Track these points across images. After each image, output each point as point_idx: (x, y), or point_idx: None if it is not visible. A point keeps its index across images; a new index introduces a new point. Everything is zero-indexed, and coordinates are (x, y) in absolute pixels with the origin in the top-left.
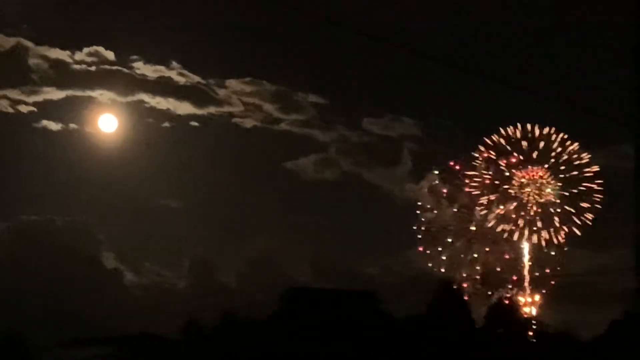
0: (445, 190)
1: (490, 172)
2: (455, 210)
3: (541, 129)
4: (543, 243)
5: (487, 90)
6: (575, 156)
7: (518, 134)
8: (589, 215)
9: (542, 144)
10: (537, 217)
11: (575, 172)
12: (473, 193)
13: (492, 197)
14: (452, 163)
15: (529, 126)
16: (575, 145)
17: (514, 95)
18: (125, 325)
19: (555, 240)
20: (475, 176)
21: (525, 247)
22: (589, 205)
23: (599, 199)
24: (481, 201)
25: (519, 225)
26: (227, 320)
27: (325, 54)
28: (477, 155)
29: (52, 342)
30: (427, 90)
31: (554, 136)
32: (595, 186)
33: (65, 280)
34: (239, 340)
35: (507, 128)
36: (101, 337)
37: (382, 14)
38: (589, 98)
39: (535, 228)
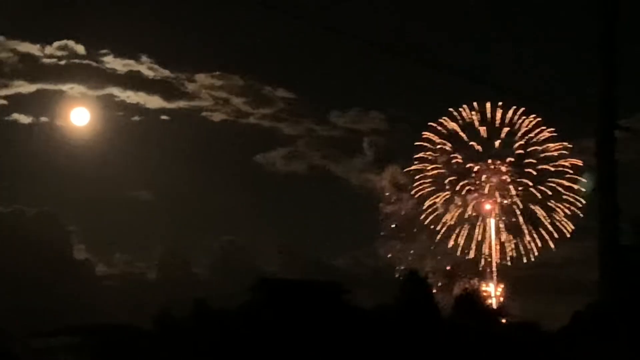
0: (404, 182)
1: (443, 165)
2: (417, 202)
3: (504, 111)
4: (506, 237)
5: (452, 83)
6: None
7: (475, 118)
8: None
9: (505, 131)
10: (501, 214)
11: (544, 166)
12: (426, 190)
13: (447, 194)
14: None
15: (488, 106)
16: (545, 133)
17: (482, 91)
18: (97, 316)
19: (522, 239)
20: (432, 168)
21: (490, 238)
22: (559, 206)
23: (571, 199)
24: (440, 196)
25: (480, 217)
26: (198, 310)
27: (293, 48)
28: (429, 145)
29: (22, 332)
30: (395, 84)
31: (520, 121)
32: (568, 183)
33: (36, 272)
34: (211, 330)
35: (461, 109)
36: (72, 326)
37: (351, 8)
38: (549, 92)
39: (499, 221)
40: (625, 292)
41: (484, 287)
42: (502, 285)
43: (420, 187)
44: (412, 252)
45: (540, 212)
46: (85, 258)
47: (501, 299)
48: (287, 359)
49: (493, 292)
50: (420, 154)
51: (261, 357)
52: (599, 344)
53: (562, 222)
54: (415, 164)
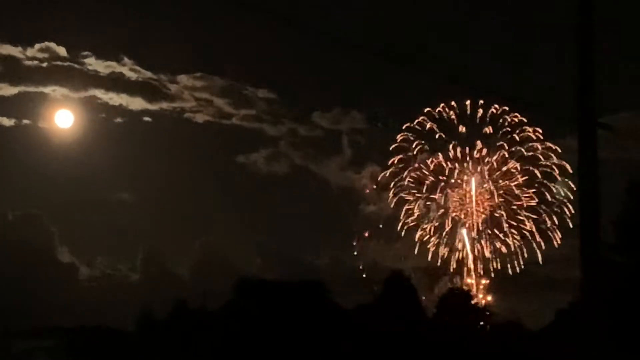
0: (385, 182)
1: (421, 165)
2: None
3: (485, 108)
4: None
5: (432, 85)
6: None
7: (453, 115)
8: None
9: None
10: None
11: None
12: (404, 192)
13: (425, 196)
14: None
15: (467, 104)
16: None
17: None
18: (79, 318)
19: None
20: (410, 170)
21: (466, 237)
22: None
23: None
24: (419, 199)
25: (460, 217)
26: (180, 311)
27: (273, 49)
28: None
29: (4, 334)
30: (376, 84)
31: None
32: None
33: (18, 274)
34: (193, 331)
35: (440, 108)
36: (54, 328)
37: (330, 9)
38: (530, 91)
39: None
40: (607, 291)
41: (467, 287)
42: (483, 281)
43: (399, 189)
44: (394, 250)
45: (527, 222)
46: (68, 260)
47: (484, 297)
48: (270, 359)
49: (475, 290)
50: (398, 157)
51: (243, 357)
52: (582, 343)
53: (550, 230)
54: (394, 165)
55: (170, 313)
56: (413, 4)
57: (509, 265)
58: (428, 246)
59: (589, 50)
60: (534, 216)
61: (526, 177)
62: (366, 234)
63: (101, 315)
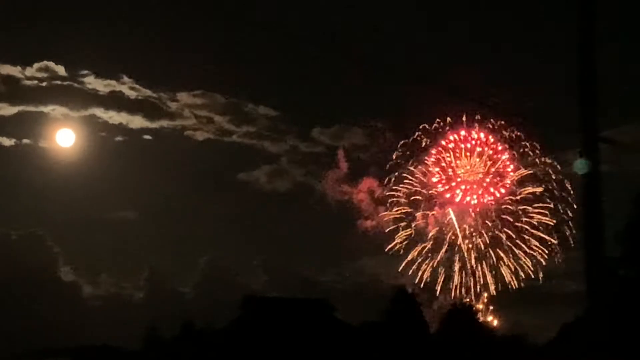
0: (383, 197)
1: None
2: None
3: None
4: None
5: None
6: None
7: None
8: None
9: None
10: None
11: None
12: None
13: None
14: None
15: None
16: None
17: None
18: (84, 337)
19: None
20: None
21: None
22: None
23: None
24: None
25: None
26: (185, 329)
27: (274, 65)
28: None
29: (9, 355)
30: (378, 99)
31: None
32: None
33: (23, 294)
34: (199, 350)
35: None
36: (60, 348)
37: (333, 25)
38: (531, 106)
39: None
40: (611, 304)
41: (471, 302)
42: (487, 299)
43: (396, 207)
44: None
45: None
46: (72, 280)
47: (488, 312)
48: None
49: (479, 305)
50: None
51: None
52: (587, 357)
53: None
54: (391, 183)
55: (177, 331)
56: (412, 21)
57: (511, 280)
58: (422, 266)
59: (590, 64)
60: (536, 232)
61: (528, 192)
62: (365, 250)
63: (107, 334)
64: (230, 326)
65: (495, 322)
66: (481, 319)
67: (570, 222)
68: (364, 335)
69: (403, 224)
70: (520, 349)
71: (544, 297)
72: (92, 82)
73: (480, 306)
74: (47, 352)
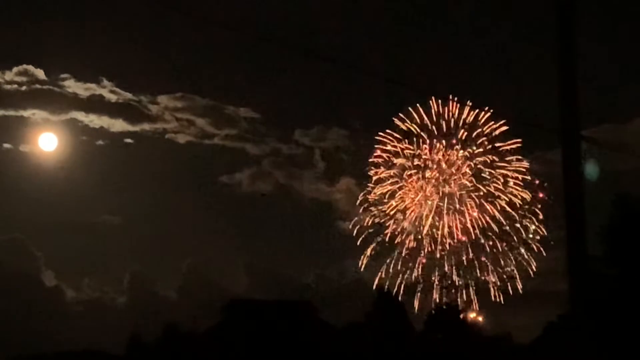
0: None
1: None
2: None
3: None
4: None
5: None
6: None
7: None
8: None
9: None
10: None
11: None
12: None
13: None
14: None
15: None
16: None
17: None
18: (67, 342)
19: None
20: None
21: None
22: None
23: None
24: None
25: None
26: (169, 333)
27: (254, 67)
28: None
29: None
30: (357, 100)
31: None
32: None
33: (4, 299)
34: (182, 353)
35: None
36: (43, 353)
37: (312, 27)
38: (514, 105)
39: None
40: (595, 303)
41: (456, 302)
42: (472, 299)
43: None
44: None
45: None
46: (54, 284)
47: (473, 312)
48: None
49: (464, 305)
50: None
51: None
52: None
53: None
54: (370, 170)
55: (160, 335)
56: (391, 20)
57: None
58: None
59: (570, 63)
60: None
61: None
62: (345, 250)
63: (89, 338)
64: (214, 329)
65: (479, 322)
66: (465, 318)
67: (551, 221)
68: (348, 337)
69: (385, 223)
70: (505, 349)
71: (528, 296)
72: (72, 86)
73: (464, 306)
74: (28, 357)
